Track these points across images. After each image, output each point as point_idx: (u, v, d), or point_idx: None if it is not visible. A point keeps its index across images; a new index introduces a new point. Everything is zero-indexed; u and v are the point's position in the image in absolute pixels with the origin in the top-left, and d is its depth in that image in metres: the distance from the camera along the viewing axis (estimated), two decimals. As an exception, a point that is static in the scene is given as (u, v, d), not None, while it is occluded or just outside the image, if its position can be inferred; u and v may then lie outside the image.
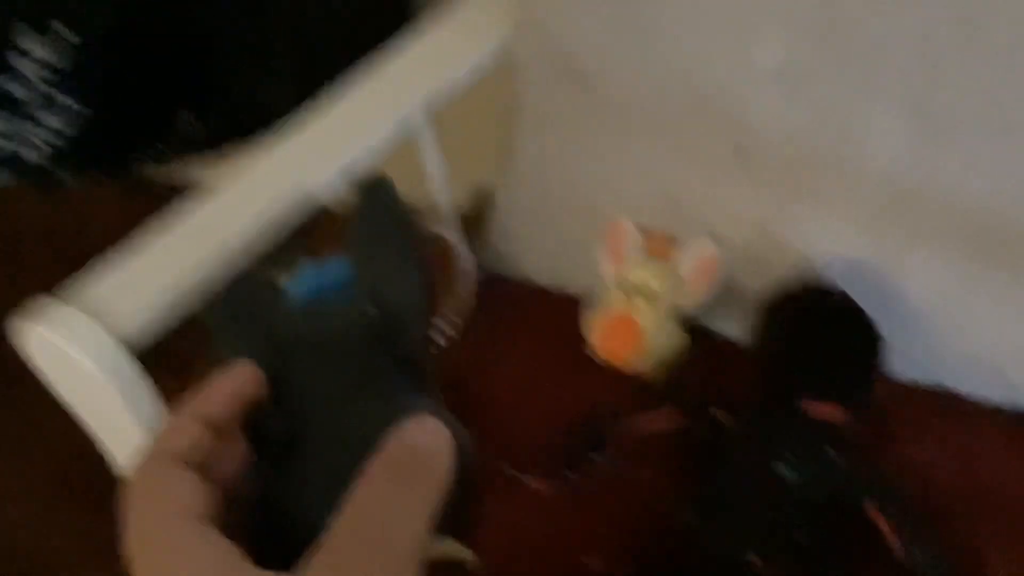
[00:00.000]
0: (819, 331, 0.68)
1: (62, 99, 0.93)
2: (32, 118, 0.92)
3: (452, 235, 0.85)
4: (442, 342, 0.81)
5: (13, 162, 0.94)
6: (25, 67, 0.87)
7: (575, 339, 0.79)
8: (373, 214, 0.45)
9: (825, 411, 0.65)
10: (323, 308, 0.42)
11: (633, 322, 0.75)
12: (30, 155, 0.95)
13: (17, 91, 0.88)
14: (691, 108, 0.74)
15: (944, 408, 0.72)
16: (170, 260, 0.69)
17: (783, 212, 0.73)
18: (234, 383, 0.38)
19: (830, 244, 0.72)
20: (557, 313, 0.82)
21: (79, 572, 1.05)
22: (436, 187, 0.88)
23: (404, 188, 0.89)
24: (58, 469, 1.12)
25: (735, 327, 0.77)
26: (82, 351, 0.62)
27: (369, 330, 0.41)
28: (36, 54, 0.87)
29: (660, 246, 0.77)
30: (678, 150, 0.76)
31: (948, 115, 0.66)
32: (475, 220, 0.91)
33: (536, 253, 0.87)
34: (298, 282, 0.43)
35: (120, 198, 1.09)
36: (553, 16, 0.79)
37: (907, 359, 0.71)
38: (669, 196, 0.78)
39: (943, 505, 0.66)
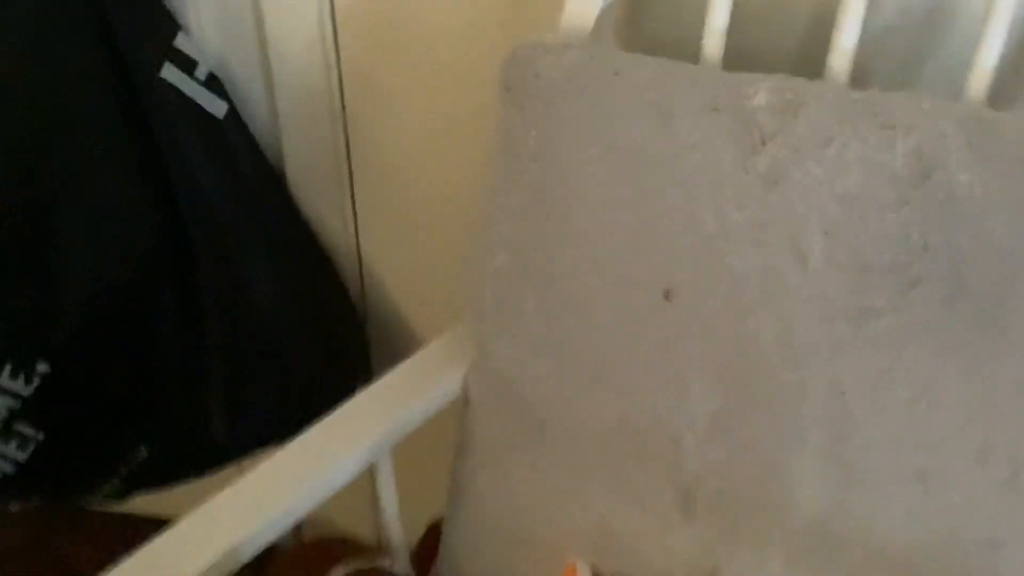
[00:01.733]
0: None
1: (20, 426, 0.95)
2: (-9, 448, 0.93)
3: (403, 572, 0.85)
4: None
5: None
6: (-4, 403, 0.91)
7: None
8: None
9: None
10: None
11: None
12: (-21, 481, 0.96)
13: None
14: (636, 453, 0.80)
15: None
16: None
17: (728, 558, 0.76)
18: None
19: (774, 587, 0.75)
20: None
21: None
22: (389, 521, 0.90)
23: (356, 519, 0.91)
24: None
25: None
26: None
27: None
28: (10, 388, 0.90)
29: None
30: (623, 491, 0.81)
31: (862, 462, 0.71)
32: (427, 555, 0.92)
33: (485, 591, 0.88)
34: None
35: (66, 526, 1.08)
36: (507, 362, 0.86)
37: None
38: (619, 539, 0.81)
39: None
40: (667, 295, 0.77)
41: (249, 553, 0.75)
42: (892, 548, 0.71)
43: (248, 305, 1.10)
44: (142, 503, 1.15)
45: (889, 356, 0.69)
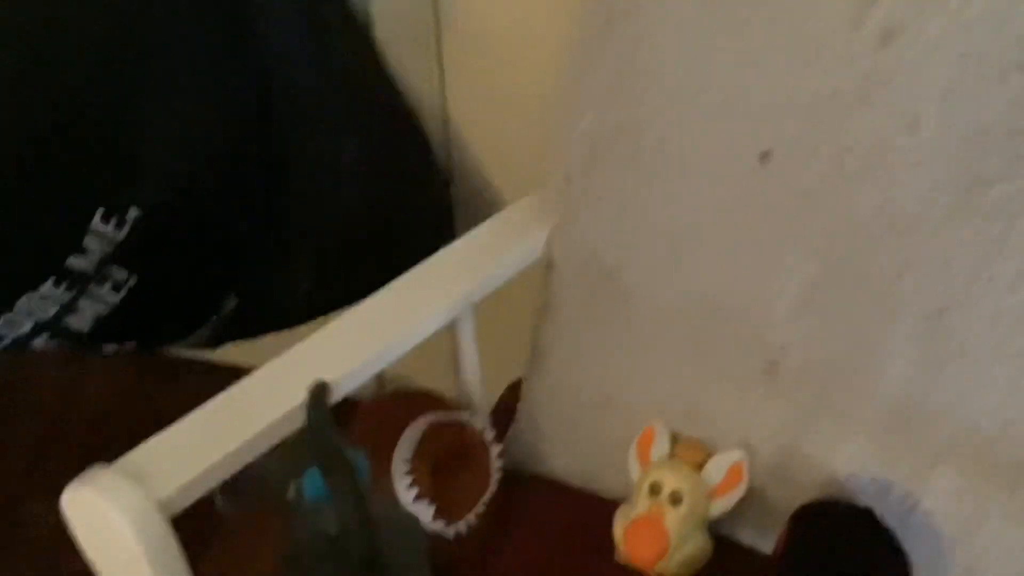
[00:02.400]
0: (846, 548, 0.69)
1: (116, 271, 0.97)
2: (86, 290, 0.96)
3: (482, 428, 0.86)
4: (464, 532, 0.82)
5: (58, 329, 0.97)
6: (91, 244, 0.92)
7: (598, 540, 0.79)
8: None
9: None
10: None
11: (659, 525, 0.75)
12: (76, 323, 0.99)
13: (80, 266, 0.93)
14: (722, 323, 0.78)
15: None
16: (210, 434, 0.71)
17: (811, 428, 0.75)
18: None
19: (856, 461, 0.74)
20: (581, 511, 0.83)
21: None
22: (469, 379, 0.90)
23: (437, 378, 0.93)
24: None
25: (758, 537, 0.78)
26: (121, 513, 0.63)
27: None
28: (103, 232, 0.92)
29: (691, 453, 0.79)
30: (708, 362, 0.80)
31: (960, 338, 0.69)
32: (506, 413, 0.93)
33: (562, 450, 0.89)
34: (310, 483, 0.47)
35: (159, 374, 1.12)
36: (589, 224, 0.85)
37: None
38: (698, 405, 0.80)
39: None
40: (764, 158, 0.74)
41: (330, 401, 0.76)
42: (984, 427, 0.69)
43: (334, 168, 1.10)
44: (233, 353, 1.18)
45: (999, 226, 0.66)
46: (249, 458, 0.71)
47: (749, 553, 0.78)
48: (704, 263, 0.79)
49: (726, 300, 0.78)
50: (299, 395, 0.73)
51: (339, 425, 0.82)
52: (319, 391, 0.56)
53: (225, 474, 0.69)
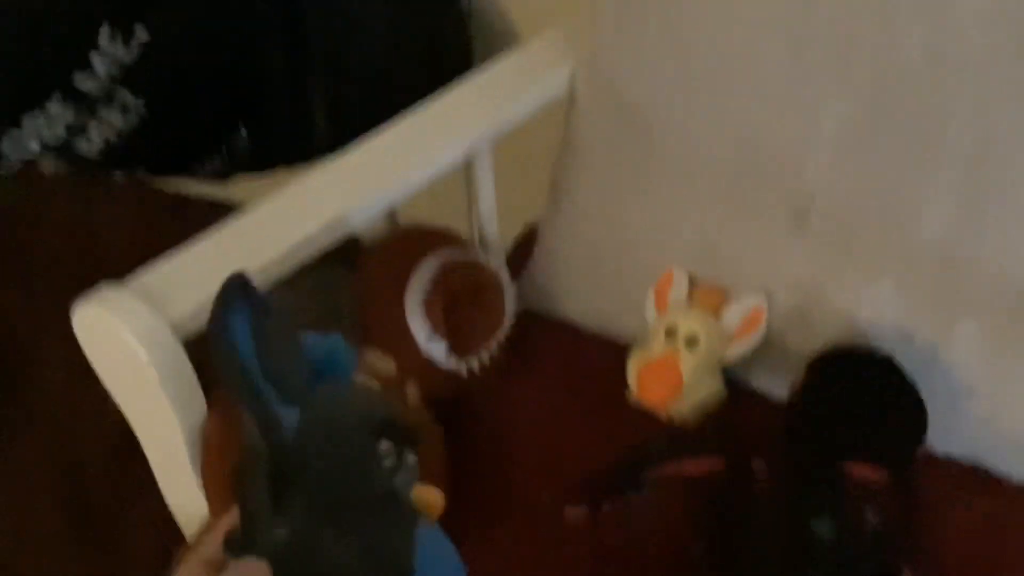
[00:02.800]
0: (864, 394, 0.68)
1: (124, 95, 0.95)
2: (94, 112, 0.93)
3: (497, 267, 0.85)
4: (477, 369, 0.81)
5: (68, 152, 0.95)
6: (98, 63, 0.89)
7: (612, 382, 0.79)
8: None
9: (866, 473, 0.64)
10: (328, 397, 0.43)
11: (674, 367, 0.75)
12: (85, 147, 0.96)
13: (87, 85, 0.90)
14: (753, 166, 0.75)
15: (977, 483, 0.72)
16: (223, 258, 0.70)
17: (836, 274, 0.74)
18: None
19: (879, 309, 0.73)
20: (595, 354, 0.82)
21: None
22: (485, 219, 0.88)
23: (452, 218, 0.91)
24: (50, 482, 1.08)
25: (773, 384, 0.77)
26: (134, 333, 0.62)
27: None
28: (110, 51, 0.89)
29: (709, 297, 0.77)
30: (735, 206, 0.77)
31: (998, 188, 0.67)
32: (522, 255, 0.91)
33: (578, 292, 0.87)
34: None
35: (170, 209, 1.10)
36: (618, 61, 0.81)
37: (944, 431, 0.71)
38: (721, 249, 0.78)
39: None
40: (808, -9, 0.70)
41: (341, 232, 0.74)
42: (1018, 279, 0.67)
43: (349, 3, 1.06)
44: (246, 192, 1.16)
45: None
46: (262, 284, 0.69)
47: (763, 399, 0.78)
48: (740, 102, 0.75)
49: (760, 143, 0.75)
50: (311, 224, 0.72)
51: (347, 265, 0.81)
52: (231, 286, 0.45)
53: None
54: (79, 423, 0.96)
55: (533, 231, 0.92)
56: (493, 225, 0.89)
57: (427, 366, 0.77)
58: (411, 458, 0.45)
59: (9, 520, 1.03)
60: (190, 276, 0.68)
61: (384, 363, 0.76)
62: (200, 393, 0.67)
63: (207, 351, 0.44)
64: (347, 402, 0.46)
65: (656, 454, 0.70)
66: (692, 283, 0.79)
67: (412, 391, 0.76)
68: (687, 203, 0.80)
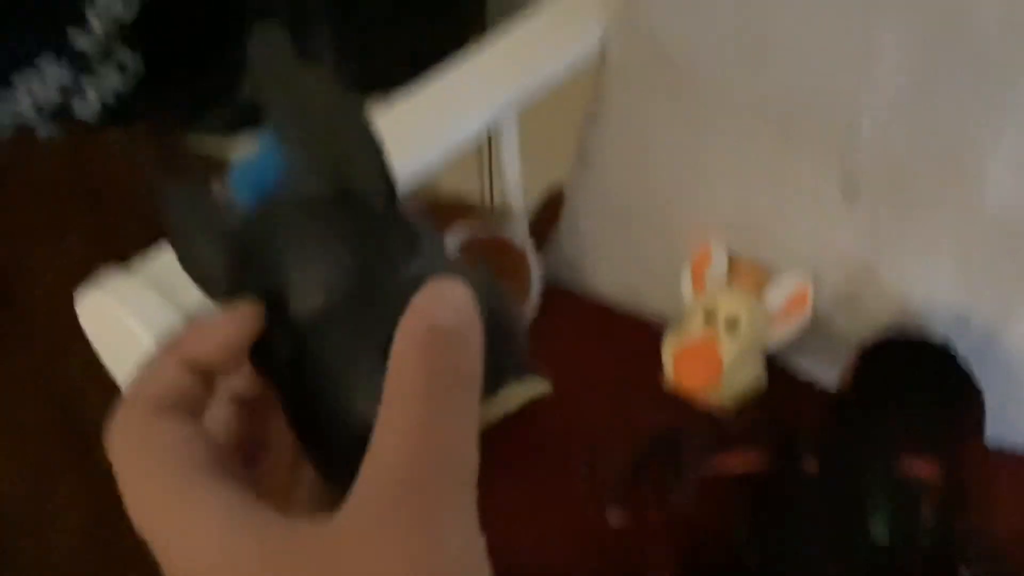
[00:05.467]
0: (920, 383, 0.64)
1: (121, 53, 0.89)
2: (91, 71, 0.87)
3: (522, 237, 0.80)
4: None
5: (64, 114, 0.90)
6: (93, 19, 0.83)
7: (645, 365, 0.74)
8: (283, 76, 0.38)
9: (922, 468, 0.60)
10: (279, 202, 0.37)
11: (713, 353, 0.70)
12: (81, 108, 0.91)
13: (83, 43, 0.84)
14: (799, 125, 0.70)
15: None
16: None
17: (889, 253, 0.69)
18: (234, 326, 0.31)
19: (935, 290, 0.68)
20: (627, 334, 0.78)
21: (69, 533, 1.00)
22: (509, 186, 0.84)
23: (472, 186, 0.85)
24: (52, 420, 1.05)
25: (819, 371, 0.73)
26: (143, 321, 0.58)
27: (340, 207, 0.36)
28: (105, 6, 0.83)
29: (750, 276, 0.73)
30: (778, 170, 0.72)
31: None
32: (545, 223, 0.87)
33: (607, 264, 0.82)
34: (238, 185, 0.38)
35: (171, 166, 1.05)
36: (659, 20, 0.75)
37: (1003, 422, 0.67)
38: (761, 221, 0.73)
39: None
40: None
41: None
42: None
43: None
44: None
45: None
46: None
47: (808, 387, 0.74)
48: (791, 52, 0.69)
49: (811, 98, 0.69)
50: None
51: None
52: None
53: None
54: (75, 350, 0.94)
55: (556, 196, 0.87)
56: (518, 194, 0.84)
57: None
58: None
59: (5, 443, 1.02)
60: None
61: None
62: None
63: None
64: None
65: (695, 447, 0.66)
66: (731, 260, 0.74)
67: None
68: (728, 171, 0.75)
